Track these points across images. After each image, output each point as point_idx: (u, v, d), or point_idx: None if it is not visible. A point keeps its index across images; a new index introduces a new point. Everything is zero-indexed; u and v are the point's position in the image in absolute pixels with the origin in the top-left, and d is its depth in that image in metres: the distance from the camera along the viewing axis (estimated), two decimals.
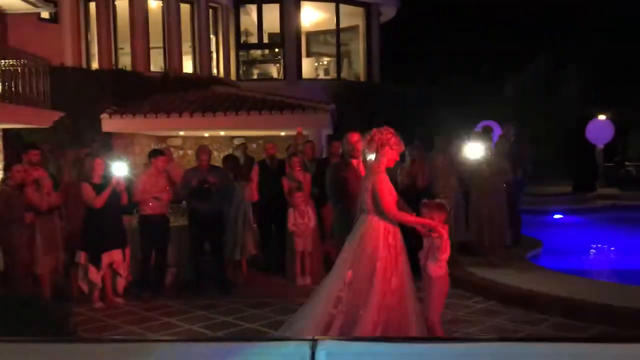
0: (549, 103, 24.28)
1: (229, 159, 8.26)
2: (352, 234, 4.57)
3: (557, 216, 13.97)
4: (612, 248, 10.35)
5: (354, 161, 5.53)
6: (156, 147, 10.91)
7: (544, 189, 15.61)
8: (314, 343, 1.23)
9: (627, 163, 18.55)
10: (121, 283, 6.92)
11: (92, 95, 13.12)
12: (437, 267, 4.42)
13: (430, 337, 1.28)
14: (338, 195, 5.65)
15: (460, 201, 7.98)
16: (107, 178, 6.74)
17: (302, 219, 7.56)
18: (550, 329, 5.53)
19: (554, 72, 25.24)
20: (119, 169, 6.78)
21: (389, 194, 4.45)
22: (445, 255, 4.40)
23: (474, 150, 7.90)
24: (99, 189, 6.62)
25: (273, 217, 8.37)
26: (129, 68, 14.75)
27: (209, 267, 7.51)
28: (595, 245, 10.75)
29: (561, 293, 6.16)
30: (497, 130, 10.41)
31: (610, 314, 5.63)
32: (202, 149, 7.58)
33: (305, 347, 1.22)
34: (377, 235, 4.40)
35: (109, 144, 13.47)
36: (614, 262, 9.30)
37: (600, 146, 18.03)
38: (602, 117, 18.50)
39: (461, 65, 27.50)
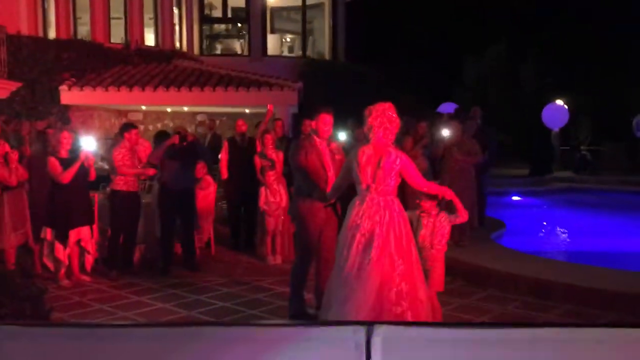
0: (507, 88, 24.76)
1: (161, 135, 7.96)
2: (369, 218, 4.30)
3: (515, 198, 14.32)
4: (570, 230, 10.70)
5: (318, 141, 5.35)
6: (122, 121, 10.63)
7: (502, 171, 15.97)
8: (369, 328, 1.21)
9: (582, 147, 19.13)
10: (89, 260, 6.75)
11: (50, 66, 12.66)
12: (442, 245, 4.69)
13: (490, 323, 1.29)
14: (296, 172, 5.43)
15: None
16: (74, 152, 6.53)
17: (273, 198, 7.51)
18: (518, 308, 5.69)
19: (512, 57, 25.69)
20: (88, 144, 6.57)
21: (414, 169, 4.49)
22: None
23: (444, 132, 7.99)
24: (65, 163, 6.41)
25: (242, 195, 8.29)
26: (88, 38, 14.26)
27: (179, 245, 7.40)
28: (554, 227, 11.10)
29: (527, 273, 6.33)
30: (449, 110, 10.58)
31: (575, 293, 5.83)
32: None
33: (361, 333, 1.20)
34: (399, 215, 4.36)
35: (66, 116, 13.06)
36: (573, 244, 9.62)
37: (556, 130, 18.52)
38: (558, 101, 18.99)
39: (423, 47, 27.70)
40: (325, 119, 5.28)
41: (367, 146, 4.41)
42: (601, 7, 26.18)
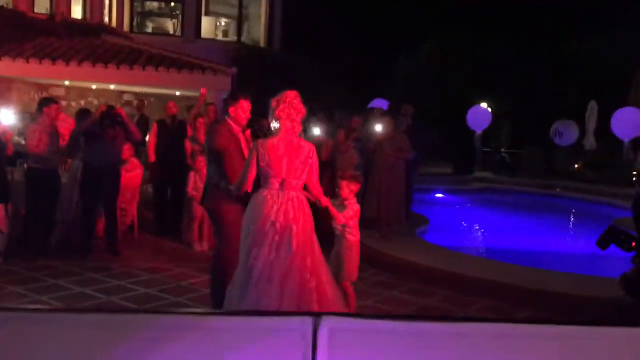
0: (435, 87, 25.42)
1: (83, 113, 7.54)
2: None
3: (438, 195, 14.76)
4: (489, 228, 11.15)
5: (235, 128, 5.02)
6: (42, 96, 10.09)
7: (426, 169, 16.40)
8: (316, 319, 1.20)
9: (502, 150, 19.96)
10: (2, 240, 6.38)
11: None
12: (352, 234, 4.65)
13: (434, 316, 1.30)
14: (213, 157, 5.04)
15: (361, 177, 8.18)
16: None
17: (202, 184, 7.35)
18: (440, 302, 5.86)
19: (442, 57, 26.39)
20: (6, 117, 6.19)
21: None
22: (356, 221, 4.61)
23: (376, 127, 8.10)
24: None
25: (170, 179, 8.09)
26: (9, 6, 13.42)
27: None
28: (473, 225, 11.53)
29: (448, 268, 6.54)
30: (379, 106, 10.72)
31: (493, 289, 6.07)
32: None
33: (308, 323, 1.19)
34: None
35: None
36: (492, 241, 10.01)
37: (479, 132, 19.22)
38: (483, 104, 19.70)
39: (358, 41, 27.93)
40: (244, 105, 5.01)
41: (276, 138, 4.24)
42: (529, 11, 27.30)
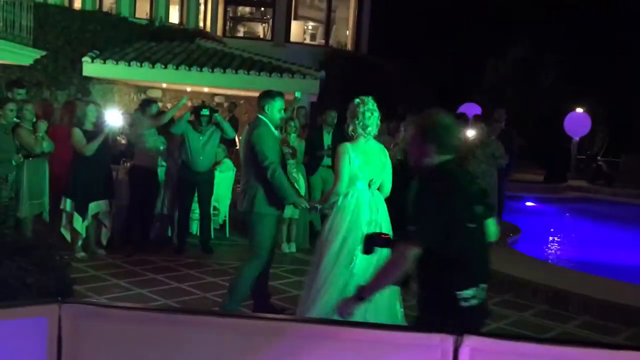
0: (525, 91, 24.57)
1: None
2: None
3: (529, 204, 14.23)
4: (584, 240, 10.62)
5: None
6: (142, 98, 10.60)
7: (516, 176, 15.86)
8: (458, 338, 1.17)
9: (598, 158, 18.97)
10: (105, 234, 6.75)
11: (74, 37, 12.62)
12: None
13: (577, 341, 1.26)
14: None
15: None
16: (98, 125, 6.51)
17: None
18: (536, 316, 5.65)
19: (532, 60, 25.47)
20: (113, 118, 6.55)
21: None
22: None
23: (468, 132, 7.92)
24: (90, 136, 6.38)
25: None
26: (113, 12, 14.21)
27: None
28: (567, 236, 11.03)
29: (544, 281, 6.28)
30: (471, 112, 10.44)
31: (591, 305, 5.77)
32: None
33: (449, 341, 1.16)
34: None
35: (86, 88, 13.03)
36: (586, 254, 9.52)
37: (576, 139, 18.37)
38: (579, 110, 18.81)
39: (445, 46, 27.49)
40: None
41: (361, 140, 4.31)
42: (628, 15, 25.87)
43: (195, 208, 7.31)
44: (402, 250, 2.37)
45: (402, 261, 2.31)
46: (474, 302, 2.38)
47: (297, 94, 9.55)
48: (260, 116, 4.87)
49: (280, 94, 4.99)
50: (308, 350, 1.07)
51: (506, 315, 5.62)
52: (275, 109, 4.85)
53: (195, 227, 7.65)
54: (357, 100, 4.37)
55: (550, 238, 10.43)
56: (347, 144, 4.30)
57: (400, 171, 8.36)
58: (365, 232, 4.23)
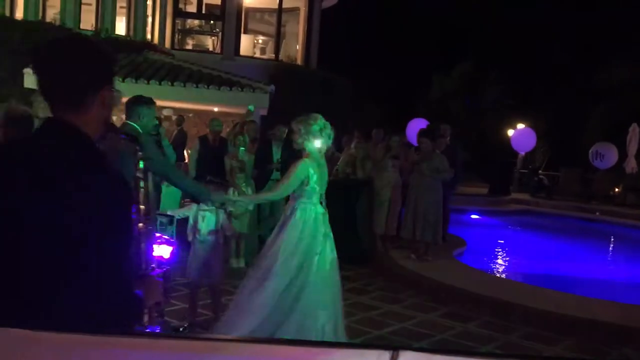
0: (469, 106, 25.31)
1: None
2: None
3: (474, 216, 14.58)
4: (527, 252, 10.96)
5: None
6: None
7: (461, 189, 16.22)
8: (395, 353, 1.20)
9: (539, 171, 19.66)
10: None
11: (15, 47, 12.23)
12: None
13: (517, 354, 1.28)
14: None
15: (399, 196, 8.17)
16: None
17: None
18: (480, 327, 5.78)
19: (476, 77, 26.27)
20: None
21: None
22: None
23: (415, 146, 8.08)
24: None
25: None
26: (57, 22, 13.87)
27: None
28: (511, 248, 11.35)
29: (489, 293, 6.44)
30: (419, 128, 10.61)
31: (533, 316, 5.95)
32: None
33: (385, 356, 1.18)
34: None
35: (29, 101, 12.62)
36: (530, 265, 9.83)
37: (522, 154, 18.97)
38: (521, 125, 19.47)
39: (393, 62, 28.02)
40: None
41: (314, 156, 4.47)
42: (564, 35, 27.03)
43: None
44: None
45: None
46: None
47: (250, 108, 9.53)
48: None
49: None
50: None
51: (451, 326, 5.73)
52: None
53: None
54: (314, 117, 4.45)
55: (495, 250, 10.72)
56: (307, 160, 4.38)
57: (348, 183, 8.46)
58: (321, 248, 4.31)
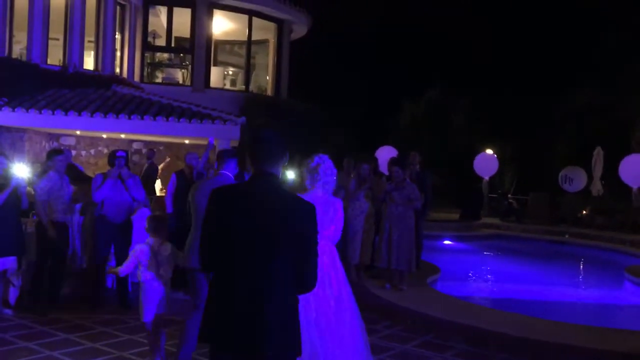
0: (438, 133, 25.62)
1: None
2: None
3: (446, 242, 14.69)
4: (500, 277, 11.05)
5: None
6: (53, 146, 10.20)
7: (432, 215, 16.35)
8: None
9: (509, 195, 19.94)
10: (14, 293, 6.36)
11: None
12: None
13: None
14: None
15: (372, 225, 8.18)
16: (4, 178, 6.20)
17: None
18: (456, 357, 5.77)
19: (445, 103, 26.69)
20: (20, 170, 6.26)
21: None
22: None
23: (386, 175, 8.14)
24: None
25: (186, 230, 8.07)
26: (23, 58, 13.73)
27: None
28: (483, 273, 11.44)
29: (465, 321, 6.45)
30: (388, 155, 10.75)
31: (508, 343, 5.98)
32: None
33: None
34: None
35: None
36: (503, 291, 9.91)
37: (486, 178, 19.26)
38: (489, 151, 19.80)
39: (362, 91, 28.36)
40: None
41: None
42: (530, 60, 27.79)
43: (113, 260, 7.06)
44: None
45: None
46: None
47: (212, 141, 9.50)
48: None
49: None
50: None
51: (428, 357, 5.71)
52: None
53: (112, 281, 7.36)
54: (316, 158, 4.56)
55: (468, 275, 10.79)
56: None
57: None
58: None
